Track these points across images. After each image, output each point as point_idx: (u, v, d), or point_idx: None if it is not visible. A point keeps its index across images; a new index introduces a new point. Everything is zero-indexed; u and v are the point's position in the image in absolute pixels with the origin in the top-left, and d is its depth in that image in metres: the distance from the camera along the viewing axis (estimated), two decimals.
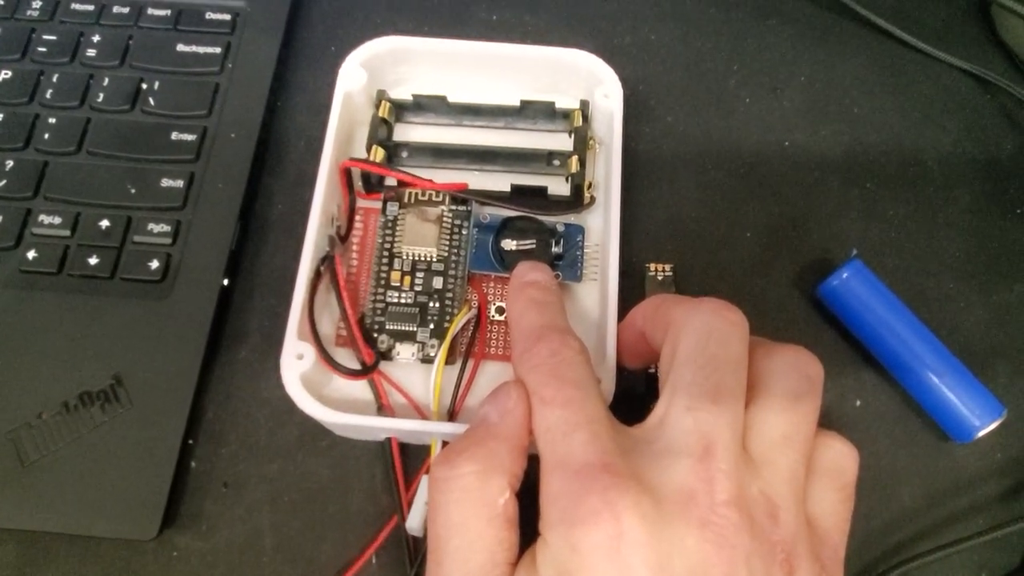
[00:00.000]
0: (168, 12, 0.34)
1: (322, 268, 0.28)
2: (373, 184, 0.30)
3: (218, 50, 0.33)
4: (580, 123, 0.31)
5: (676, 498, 0.18)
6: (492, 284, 0.29)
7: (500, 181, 0.31)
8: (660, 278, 0.30)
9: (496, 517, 0.20)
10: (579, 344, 0.22)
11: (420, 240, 0.29)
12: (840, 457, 0.21)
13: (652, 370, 0.28)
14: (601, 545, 0.18)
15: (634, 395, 0.28)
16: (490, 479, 0.20)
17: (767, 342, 0.22)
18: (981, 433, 0.27)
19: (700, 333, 0.21)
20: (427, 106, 0.32)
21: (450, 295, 0.28)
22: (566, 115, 0.32)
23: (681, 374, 0.21)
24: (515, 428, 0.21)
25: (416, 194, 0.29)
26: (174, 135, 0.31)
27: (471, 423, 0.22)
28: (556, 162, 0.31)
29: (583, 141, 0.31)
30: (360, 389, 0.28)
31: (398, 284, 0.28)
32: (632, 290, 0.29)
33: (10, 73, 0.32)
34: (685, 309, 0.22)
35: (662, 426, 0.20)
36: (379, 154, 0.30)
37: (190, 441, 0.28)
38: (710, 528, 0.18)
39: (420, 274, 0.28)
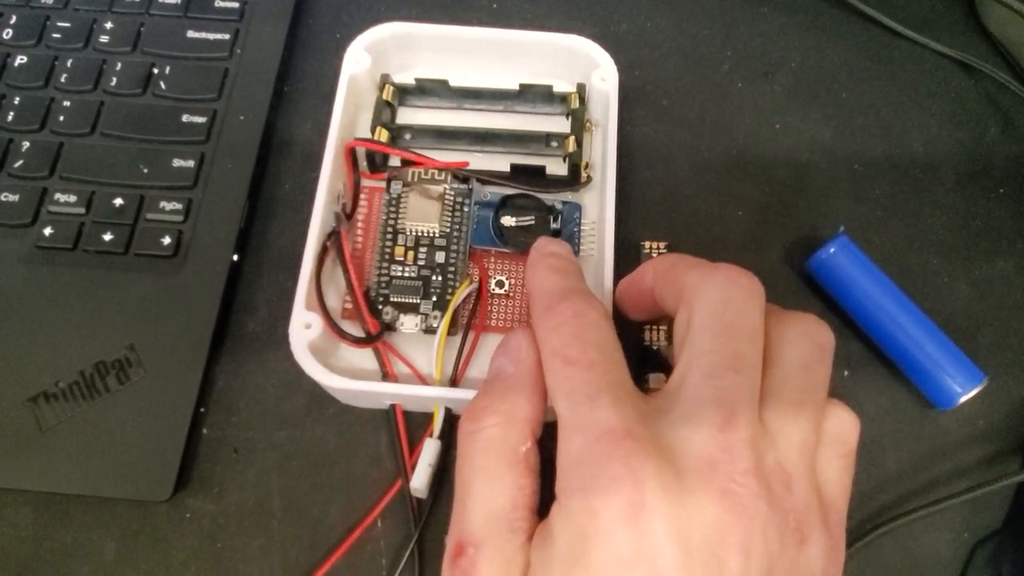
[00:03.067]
0: (178, 0, 0.35)
1: (328, 243, 0.29)
2: (377, 164, 0.31)
3: (227, 36, 0.34)
4: (577, 105, 0.32)
5: (697, 467, 0.18)
6: (492, 259, 0.30)
7: (500, 162, 0.32)
8: (655, 254, 0.31)
9: (518, 463, 0.20)
10: (603, 308, 0.22)
11: (423, 217, 0.30)
12: (843, 425, 0.21)
13: (655, 347, 0.29)
14: (621, 512, 0.18)
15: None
16: (512, 429, 0.21)
17: (778, 309, 0.22)
18: (963, 399, 0.28)
19: (718, 301, 0.21)
20: (429, 90, 0.33)
21: (452, 269, 0.29)
22: (563, 98, 0.33)
23: (699, 342, 0.21)
24: (530, 376, 0.21)
25: (419, 173, 0.30)
26: (185, 117, 0.32)
27: (487, 375, 0.23)
28: (554, 143, 0.32)
29: (580, 123, 0.32)
30: (365, 359, 0.29)
31: (402, 259, 0.29)
32: (628, 266, 0.30)
33: (26, 58, 0.34)
34: (700, 274, 0.22)
35: (680, 394, 0.20)
36: (383, 136, 0.31)
37: (201, 409, 0.29)
38: (730, 497, 0.18)
39: (423, 249, 0.29)
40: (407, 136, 0.32)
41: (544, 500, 0.21)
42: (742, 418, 0.19)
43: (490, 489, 0.20)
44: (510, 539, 0.20)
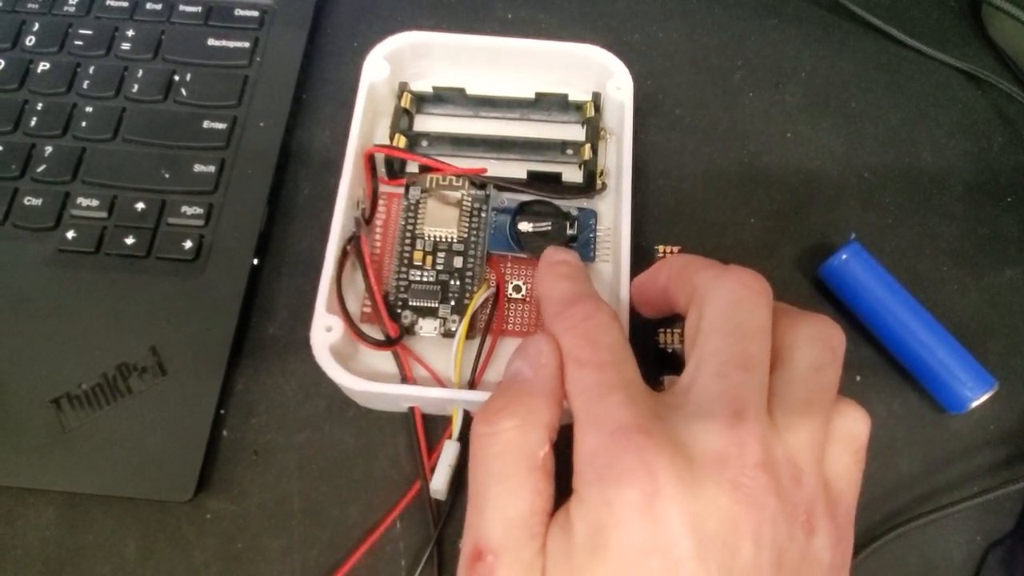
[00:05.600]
0: (199, 8, 0.35)
1: (349, 248, 0.29)
2: (396, 170, 0.32)
3: (247, 44, 0.35)
4: (592, 114, 0.33)
5: (709, 460, 0.19)
6: (509, 264, 0.31)
7: (516, 169, 0.32)
8: None
9: (536, 468, 0.20)
10: (612, 311, 0.23)
11: (441, 222, 0.30)
12: (854, 423, 0.22)
13: (670, 350, 0.29)
14: (636, 502, 0.18)
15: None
16: (530, 433, 0.21)
17: (792, 310, 0.23)
18: (974, 404, 0.28)
19: (727, 302, 0.22)
20: (446, 98, 0.33)
21: (470, 274, 0.30)
22: (579, 107, 0.33)
23: (709, 342, 0.21)
24: (550, 381, 0.22)
25: (437, 179, 0.31)
26: (205, 123, 0.33)
27: (504, 377, 0.23)
28: (570, 151, 0.32)
29: (595, 131, 0.32)
30: (384, 362, 0.29)
31: (420, 263, 0.30)
32: (642, 271, 0.31)
33: (48, 65, 0.34)
34: (711, 276, 0.23)
35: (691, 391, 0.21)
36: (401, 142, 0.32)
37: (222, 411, 0.29)
38: (741, 489, 0.19)
39: (441, 254, 0.30)
40: (424, 143, 0.33)
41: (556, 500, 0.21)
42: (751, 414, 0.20)
43: (509, 494, 0.20)
44: (529, 545, 0.20)
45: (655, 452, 0.19)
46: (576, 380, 0.21)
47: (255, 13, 0.35)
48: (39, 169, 0.32)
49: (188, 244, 0.31)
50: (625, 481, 0.19)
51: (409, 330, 0.29)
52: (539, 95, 0.33)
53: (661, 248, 0.31)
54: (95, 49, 0.34)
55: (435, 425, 0.28)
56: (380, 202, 0.32)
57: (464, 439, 0.27)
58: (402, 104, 0.33)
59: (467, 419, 0.28)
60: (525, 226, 0.30)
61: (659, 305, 0.26)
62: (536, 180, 0.31)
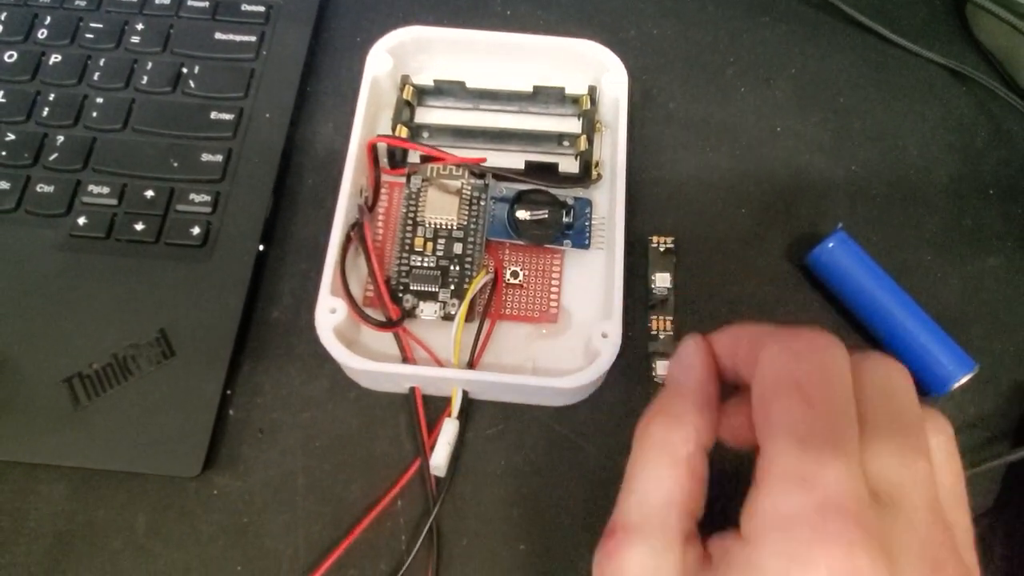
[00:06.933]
0: (206, 3, 0.36)
1: (352, 233, 0.30)
2: (397, 161, 0.33)
3: (253, 38, 0.36)
4: (588, 107, 0.34)
5: (919, 570, 0.17)
6: (507, 251, 0.32)
7: (515, 159, 0.33)
8: (662, 249, 0.32)
9: (679, 463, 0.20)
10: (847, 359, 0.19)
11: (442, 210, 0.31)
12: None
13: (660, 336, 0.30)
14: None
15: None
16: (673, 428, 0.21)
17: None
18: (955, 385, 0.29)
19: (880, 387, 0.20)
20: (447, 91, 0.35)
21: (469, 260, 0.31)
22: (575, 100, 0.34)
23: (873, 423, 0.19)
24: (697, 383, 0.21)
25: (438, 169, 0.32)
26: (213, 114, 0.34)
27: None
28: (566, 142, 0.33)
29: (591, 123, 0.33)
30: (386, 344, 0.30)
31: (421, 249, 0.31)
32: (636, 259, 0.32)
33: (60, 57, 0.35)
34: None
35: (885, 491, 0.18)
36: (403, 133, 0.33)
37: (229, 391, 0.30)
38: None
39: (442, 241, 0.31)
40: (425, 134, 0.34)
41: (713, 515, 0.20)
42: (934, 498, 0.18)
43: (649, 481, 0.20)
44: (660, 532, 0.19)
45: (864, 551, 0.16)
46: (799, 419, 0.18)
47: (261, 8, 0.36)
48: (51, 157, 0.33)
49: (196, 230, 0.31)
50: (821, 572, 0.16)
51: (410, 313, 0.30)
52: (537, 88, 0.34)
53: (655, 239, 0.32)
54: (105, 42, 0.35)
55: (434, 406, 0.29)
56: (382, 191, 0.33)
57: (463, 418, 0.28)
58: (404, 96, 0.34)
59: (466, 399, 0.29)
60: (523, 214, 0.31)
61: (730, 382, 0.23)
62: (533, 170, 0.32)
